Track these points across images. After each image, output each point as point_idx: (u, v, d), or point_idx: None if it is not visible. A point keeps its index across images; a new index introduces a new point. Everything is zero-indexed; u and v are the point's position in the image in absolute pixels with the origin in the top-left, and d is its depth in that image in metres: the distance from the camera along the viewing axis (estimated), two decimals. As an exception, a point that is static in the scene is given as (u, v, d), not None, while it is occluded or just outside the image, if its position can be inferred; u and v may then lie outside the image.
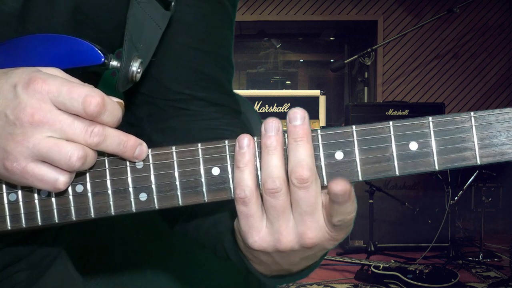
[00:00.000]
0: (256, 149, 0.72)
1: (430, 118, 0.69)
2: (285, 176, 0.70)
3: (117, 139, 0.71)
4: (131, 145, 0.72)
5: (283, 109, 4.36)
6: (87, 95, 0.67)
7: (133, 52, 0.83)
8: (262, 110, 4.33)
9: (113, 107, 0.70)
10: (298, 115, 0.69)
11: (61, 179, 0.70)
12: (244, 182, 0.70)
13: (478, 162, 0.68)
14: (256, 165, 0.72)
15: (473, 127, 0.68)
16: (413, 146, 0.70)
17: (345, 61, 4.95)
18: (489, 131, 0.68)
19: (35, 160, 0.68)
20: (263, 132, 0.71)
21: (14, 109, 0.67)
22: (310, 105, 4.34)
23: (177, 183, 0.74)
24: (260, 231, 0.72)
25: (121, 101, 0.73)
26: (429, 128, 0.69)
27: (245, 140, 0.71)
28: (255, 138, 0.73)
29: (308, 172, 0.68)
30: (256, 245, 0.73)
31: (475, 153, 0.68)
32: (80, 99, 0.67)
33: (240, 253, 0.82)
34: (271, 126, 0.70)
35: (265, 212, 0.72)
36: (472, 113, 0.68)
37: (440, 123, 0.69)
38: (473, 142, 0.68)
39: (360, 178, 0.71)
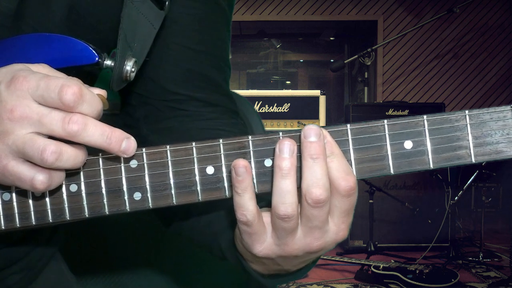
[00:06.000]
0: (251, 148, 0.72)
1: (425, 116, 0.69)
2: (297, 199, 0.69)
3: (99, 129, 0.67)
4: (117, 137, 0.68)
5: (283, 109, 4.35)
6: (63, 85, 0.65)
7: (127, 52, 0.82)
8: (262, 110, 4.33)
9: (92, 97, 0.67)
10: (314, 131, 0.67)
11: (37, 178, 0.67)
12: (245, 207, 0.69)
13: (473, 160, 0.68)
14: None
15: (468, 125, 0.68)
16: (408, 144, 0.69)
17: (345, 61, 4.94)
18: (483, 130, 0.68)
19: (16, 158, 0.67)
20: (277, 153, 0.68)
21: None
22: (310, 105, 4.34)
23: (171, 182, 0.73)
24: (263, 242, 0.72)
25: (102, 93, 0.71)
26: (424, 127, 0.69)
27: (241, 168, 0.68)
28: (250, 137, 0.72)
29: (324, 192, 0.67)
30: (261, 254, 0.73)
31: (470, 152, 0.68)
32: (56, 89, 0.65)
33: (238, 254, 0.81)
34: (287, 147, 0.68)
35: (272, 228, 0.71)
36: (467, 111, 0.68)
37: (435, 122, 0.69)
38: (468, 140, 0.68)
39: (355, 177, 0.70)
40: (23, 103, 0.66)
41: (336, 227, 0.71)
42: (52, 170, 0.69)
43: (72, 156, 0.68)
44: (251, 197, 0.69)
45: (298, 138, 0.70)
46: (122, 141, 0.69)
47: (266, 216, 0.72)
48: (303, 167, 0.68)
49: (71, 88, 0.65)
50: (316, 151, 0.67)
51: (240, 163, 0.68)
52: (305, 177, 0.68)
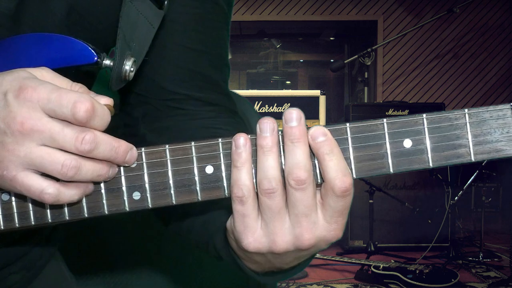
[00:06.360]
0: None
1: (424, 115, 0.69)
2: (281, 177, 0.70)
3: (109, 146, 0.69)
4: (123, 150, 0.71)
5: (283, 109, 4.35)
6: (76, 101, 0.66)
7: (126, 51, 0.82)
8: (262, 110, 4.33)
9: (103, 111, 0.69)
10: (294, 115, 0.69)
11: (46, 191, 0.69)
12: (241, 181, 0.70)
13: (473, 159, 0.68)
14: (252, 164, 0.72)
15: (468, 124, 0.68)
16: (407, 143, 0.69)
17: (345, 61, 4.94)
18: (483, 128, 0.68)
19: (26, 169, 0.68)
20: (258, 132, 0.70)
21: (4, 118, 0.66)
22: (310, 105, 4.33)
23: (171, 181, 0.73)
24: (254, 232, 0.72)
25: (109, 102, 0.72)
26: (423, 125, 0.69)
27: (241, 140, 0.70)
28: (249, 135, 0.72)
29: (305, 173, 0.68)
30: (251, 246, 0.72)
31: (470, 150, 0.68)
32: (69, 105, 0.66)
33: (232, 252, 0.81)
34: (266, 126, 0.70)
35: (260, 213, 0.71)
36: (466, 110, 0.68)
37: (434, 120, 0.69)
38: (468, 139, 0.68)
39: (354, 176, 0.70)
40: (33, 116, 0.66)
41: (328, 224, 0.71)
42: (62, 187, 0.70)
43: (90, 170, 0.70)
44: (248, 172, 0.70)
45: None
46: (127, 153, 0.72)
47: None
48: (285, 151, 0.70)
49: (84, 104, 0.66)
50: (296, 135, 0.69)
51: (241, 136, 0.70)
52: (287, 160, 0.69)
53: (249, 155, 0.70)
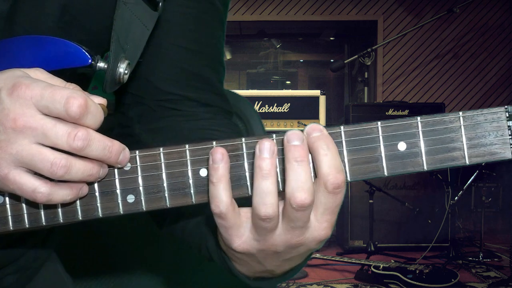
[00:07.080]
0: (245, 150, 0.71)
1: (419, 118, 0.68)
2: (278, 200, 0.68)
3: (102, 144, 0.69)
4: (116, 150, 0.70)
5: (283, 109, 4.35)
6: (69, 97, 0.65)
7: (120, 53, 0.82)
8: (262, 110, 4.32)
9: (96, 109, 0.68)
10: (299, 136, 0.67)
11: (39, 190, 0.68)
12: (218, 198, 0.68)
13: (467, 162, 0.67)
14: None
15: (462, 127, 0.68)
16: (402, 146, 0.69)
17: (345, 61, 4.93)
18: (478, 131, 0.67)
19: (18, 167, 0.67)
20: (257, 153, 0.68)
21: None
22: (310, 105, 4.33)
23: (165, 184, 0.73)
24: (242, 237, 0.71)
25: (103, 102, 0.72)
26: (418, 128, 0.69)
27: (218, 155, 0.68)
28: (244, 139, 0.72)
29: (310, 197, 0.67)
30: (240, 248, 0.72)
31: (464, 153, 0.68)
32: (62, 100, 0.65)
33: (222, 253, 0.81)
34: (267, 147, 0.67)
35: (252, 226, 0.71)
36: (460, 113, 0.68)
37: (429, 123, 0.68)
38: (462, 142, 0.68)
39: (349, 179, 0.70)
40: (26, 113, 0.66)
41: (319, 224, 0.70)
42: (55, 187, 0.69)
43: (81, 170, 0.69)
44: (225, 188, 0.68)
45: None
46: (120, 153, 0.71)
47: (246, 212, 0.72)
48: (287, 170, 0.68)
49: (77, 100, 0.65)
50: (300, 154, 0.67)
51: (218, 150, 0.68)
52: (289, 180, 0.67)
53: (226, 170, 0.68)
